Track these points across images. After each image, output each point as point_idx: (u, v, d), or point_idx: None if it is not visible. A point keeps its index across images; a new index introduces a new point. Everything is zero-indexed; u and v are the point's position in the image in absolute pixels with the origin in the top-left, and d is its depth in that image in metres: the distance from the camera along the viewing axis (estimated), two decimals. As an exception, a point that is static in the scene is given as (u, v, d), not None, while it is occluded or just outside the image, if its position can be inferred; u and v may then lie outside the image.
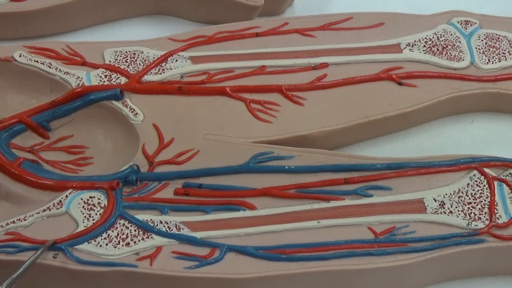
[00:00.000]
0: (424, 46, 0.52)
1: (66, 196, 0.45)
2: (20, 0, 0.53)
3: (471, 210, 0.44)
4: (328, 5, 0.58)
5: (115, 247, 0.43)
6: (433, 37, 0.52)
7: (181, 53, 0.51)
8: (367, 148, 0.51)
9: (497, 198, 0.45)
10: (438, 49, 0.51)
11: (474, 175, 0.46)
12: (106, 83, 0.49)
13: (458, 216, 0.44)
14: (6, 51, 0.50)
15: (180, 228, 0.43)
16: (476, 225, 0.44)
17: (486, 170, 0.46)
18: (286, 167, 0.46)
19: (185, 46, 0.51)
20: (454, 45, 0.52)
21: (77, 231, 0.43)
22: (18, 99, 0.50)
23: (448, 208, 0.44)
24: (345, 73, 0.50)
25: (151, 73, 0.50)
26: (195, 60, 0.51)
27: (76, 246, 0.43)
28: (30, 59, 0.50)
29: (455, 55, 0.51)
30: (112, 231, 0.43)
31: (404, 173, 0.46)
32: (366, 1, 0.58)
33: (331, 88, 0.50)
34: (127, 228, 0.43)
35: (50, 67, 0.50)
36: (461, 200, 0.45)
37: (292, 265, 0.42)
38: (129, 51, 0.51)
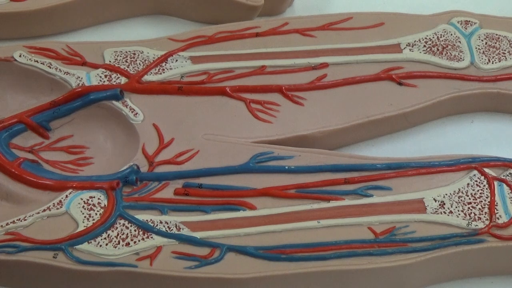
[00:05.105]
0: (424, 46, 0.52)
1: (66, 196, 0.45)
2: (20, 0, 0.53)
3: (471, 210, 0.44)
4: (328, 5, 0.58)
5: (115, 247, 0.43)
6: (433, 37, 0.52)
7: (181, 53, 0.51)
8: (367, 148, 0.50)
9: (497, 198, 0.45)
10: (438, 49, 0.51)
11: (474, 175, 0.46)
12: (106, 83, 0.49)
13: (458, 216, 0.44)
14: (6, 51, 0.50)
15: (180, 228, 0.43)
16: (476, 225, 0.44)
17: (486, 170, 0.46)
18: (286, 167, 0.46)
19: (185, 46, 0.51)
20: (454, 45, 0.52)
21: (77, 231, 0.43)
22: (18, 99, 0.50)
23: (448, 208, 0.44)
24: (345, 73, 0.50)
25: (151, 73, 0.50)
26: (195, 60, 0.51)
27: (76, 246, 0.42)
28: (30, 59, 0.50)
29: (455, 55, 0.51)
30: (112, 231, 0.43)
31: (404, 173, 0.46)
32: (366, 1, 0.58)
33: (331, 88, 0.50)
34: (127, 228, 0.43)
35: (50, 67, 0.50)
36: (461, 200, 0.45)
37: (292, 265, 0.42)
38: (129, 51, 0.51)
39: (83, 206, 0.44)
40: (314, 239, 0.43)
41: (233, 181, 0.45)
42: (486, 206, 0.44)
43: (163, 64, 0.50)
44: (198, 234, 0.43)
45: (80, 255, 0.42)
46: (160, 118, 0.48)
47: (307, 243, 0.43)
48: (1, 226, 0.43)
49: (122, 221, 0.44)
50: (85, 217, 0.44)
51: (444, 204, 0.44)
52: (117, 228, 0.43)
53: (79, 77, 0.49)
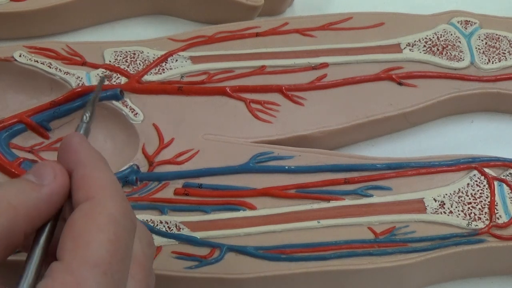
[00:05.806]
0: (424, 46, 0.52)
1: (66, 196, 0.45)
2: (20, 0, 0.53)
3: (471, 210, 0.44)
4: (328, 5, 0.58)
5: (115, 247, 0.42)
6: (433, 37, 0.52)
7: (181, 53, 0.51)
8: (367, 148, 0.50)
9: (497, 198, 0.45)
10: (438, 49, 0.51)
11: (474, 175, 0.46)
12: (106, 83, 0.49)
13: (458, 216, 0.44)
14: (6, 51, 0.50)
15: (180, 228, 0.43)
16: (476, 225, 0.44)
17: (486, 170, 0.46)
18: (286, 167, 0.46)
19: (185, 46, 0.51)
20: (454, 45, 0.52)
21: (77, 231, 0.43)
22: (18, 99, 0.50)
23: (448, 208, 0.44)
24: (345, 73, 0.50)
25: (151, 73, 0.50)
26: (195, 60, 0.51)
27: (76, 246, 0.42)
28: (30, 59, 0.50)
29: (455, 55, 0.51)
30: (112, 231, 0.43)
31: (404, 173, 0.46)
32: (366, 1, 0.58)
33: (331, 88, 0.50)
34: (127, 228, 0.43)
35: (50, 67, 0.50)
36: (461, 200, 0.45)
37: (292, 265, 0.42)
38: (129, 51, 0.51)
39: (83, 206, 0.44)
40: (314, 239, 0.43)
41: (233, 181, 0.45)
42: (486, 206, 0.44)
43: (163, 64, 0.50)
44: (198, 234, 0.43)
45: (80, 255, 0.42)
46: (160, 118, 0.48)
47: (307, 243, 0.43)
48: (1, 226, 0.43)
49: (122, 221, 0.44)
50: (85, 217, 0.44)
51: (444, 204, 0.44)
52: (117, 228, 0.43)
53: (79, 77, 0.49)
